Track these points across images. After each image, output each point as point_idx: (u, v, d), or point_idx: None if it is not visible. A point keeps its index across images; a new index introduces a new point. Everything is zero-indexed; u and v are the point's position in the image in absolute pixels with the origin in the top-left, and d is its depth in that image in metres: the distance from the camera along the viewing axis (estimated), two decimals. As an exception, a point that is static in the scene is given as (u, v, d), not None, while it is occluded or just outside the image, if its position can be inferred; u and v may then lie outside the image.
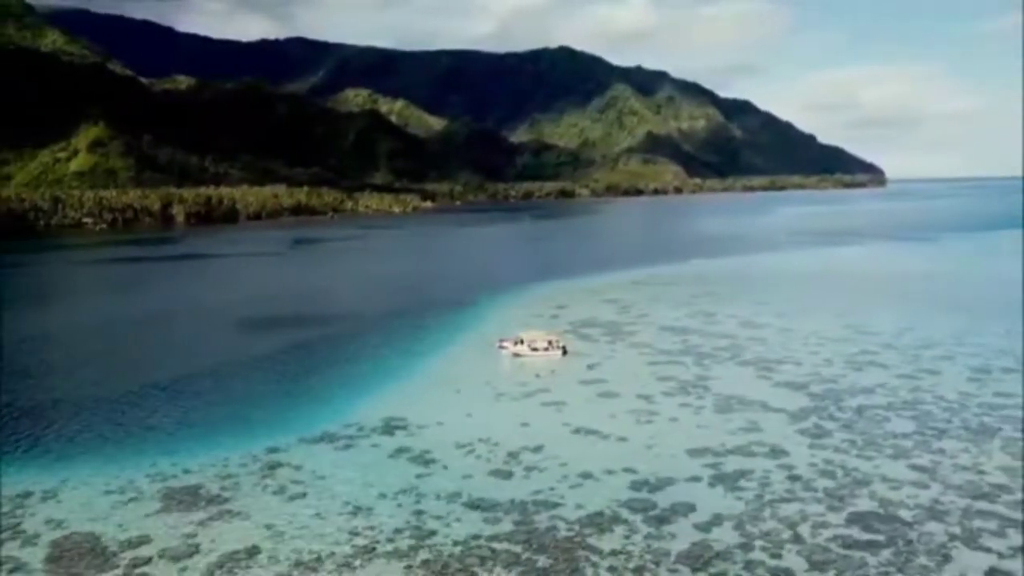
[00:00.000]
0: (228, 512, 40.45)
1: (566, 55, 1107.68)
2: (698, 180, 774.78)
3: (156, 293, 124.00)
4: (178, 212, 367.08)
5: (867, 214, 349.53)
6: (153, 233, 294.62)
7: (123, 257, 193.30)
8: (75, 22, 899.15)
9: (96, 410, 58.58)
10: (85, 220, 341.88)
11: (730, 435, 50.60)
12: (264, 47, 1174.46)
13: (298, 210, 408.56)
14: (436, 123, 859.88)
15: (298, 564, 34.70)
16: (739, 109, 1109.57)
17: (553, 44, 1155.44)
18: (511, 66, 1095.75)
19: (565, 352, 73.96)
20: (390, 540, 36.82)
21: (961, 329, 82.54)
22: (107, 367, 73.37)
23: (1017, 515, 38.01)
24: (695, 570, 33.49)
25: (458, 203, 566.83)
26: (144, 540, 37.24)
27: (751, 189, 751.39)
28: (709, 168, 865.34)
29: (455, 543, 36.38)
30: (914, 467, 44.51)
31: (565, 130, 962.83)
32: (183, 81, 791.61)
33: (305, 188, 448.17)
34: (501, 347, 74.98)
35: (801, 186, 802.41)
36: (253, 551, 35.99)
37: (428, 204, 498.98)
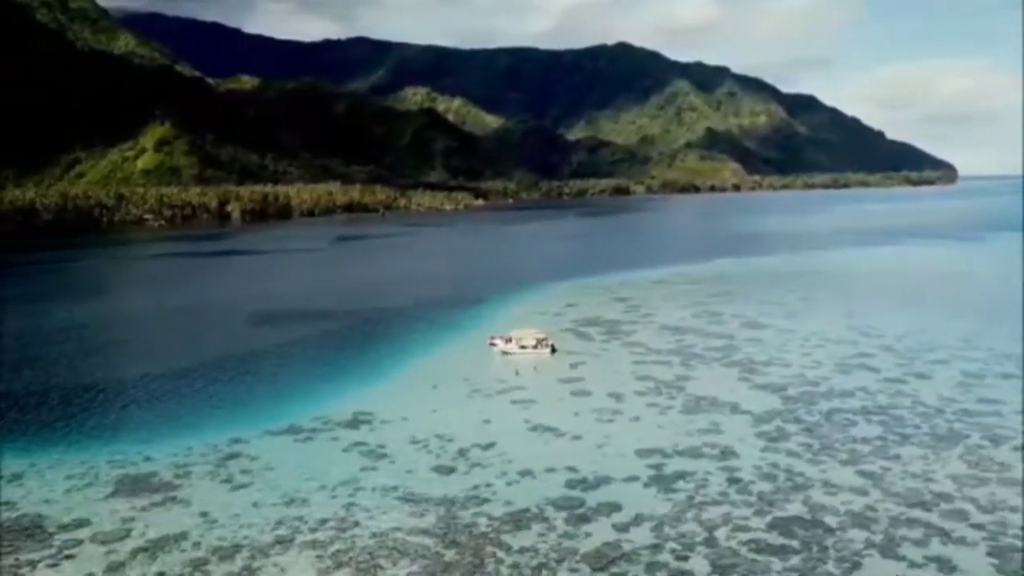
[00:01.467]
0: (172, 499, 42.11)
1: (624, 51, 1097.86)
2: (757, 177, 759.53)
3: (183, 288, 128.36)
4: (234, 209, 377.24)
5: (924, 212, 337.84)
6: (207, 230, 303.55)
7: (169, 253, 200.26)
8: (147, 25, 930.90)
9: (84, 398, 61.35)
10: (146, 217, 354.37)
11: (686, 436, 50.23)
12: (327, 47, 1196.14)
13: (351, 207, 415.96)
14: (493, 121, 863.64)
15: (216, 550, 36.02)
16: (803, 105, 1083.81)
17: (611, 40, 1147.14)
18: (569, 63, 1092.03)
19: (554, 350, 74.14)
20: (312, 530, 37.87)
21: (972, 332, 79.69)
22: (112, 357, 76.37)
23: (945, 524, 36.97)
24: (595, 570, 33.61)
25: (510, 201, 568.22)
26: (84, 523, 39.13)
27: (812, 187, 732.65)
28: (769, 165, 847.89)
29: (372, 535, 37.22)
30: (861, 473, 43.54)
31: (622, 127, 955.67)
32: (247, 81, 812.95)
33: (358, 186, 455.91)
34: (492, 344, 75.52)
35: (865, 184, 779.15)
36: (180, 537, 37.46)
37: (480, 202, 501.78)
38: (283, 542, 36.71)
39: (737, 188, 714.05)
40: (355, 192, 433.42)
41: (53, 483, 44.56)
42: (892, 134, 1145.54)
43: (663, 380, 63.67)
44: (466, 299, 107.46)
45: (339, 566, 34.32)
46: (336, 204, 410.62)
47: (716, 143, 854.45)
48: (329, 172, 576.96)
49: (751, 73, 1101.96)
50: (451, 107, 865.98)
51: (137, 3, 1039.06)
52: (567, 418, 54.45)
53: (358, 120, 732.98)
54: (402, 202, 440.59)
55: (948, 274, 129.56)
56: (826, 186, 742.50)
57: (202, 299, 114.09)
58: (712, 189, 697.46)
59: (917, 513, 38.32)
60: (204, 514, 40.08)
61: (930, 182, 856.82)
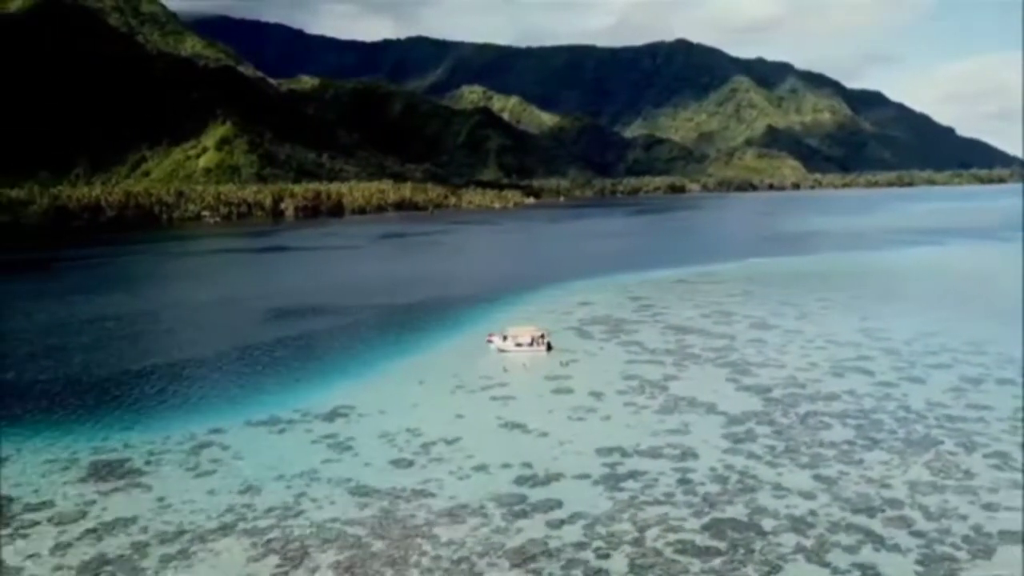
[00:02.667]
0: (136, 484, 43.93)
1: (683, 48, 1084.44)
2: (817, 175, 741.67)
3: (215, 282, 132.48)
4: (288, 206, 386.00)
5: (983, 212, 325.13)
6: (260, 227, 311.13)
7: (214, 249, 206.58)
8: (214, 27, 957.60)
9: (84, 387, 64.19)
10: (204, 214, 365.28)
11: (652, 436, 50.01)
12: (387, 47, 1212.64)
13: (402, 205, 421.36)
14: (548, 119, 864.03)
15: (160, 534, 37.53)
16: (868, 100, 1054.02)
17: (670, 38, 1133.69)
18: (627, 61, 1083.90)
19: (550, 348, 74.35)
20: (255, 518, 39.11)
21: (987, 336, 76.68)
22: (123, 348, 79.17)
23: (884, 530, 36.17)
24: (513, 565, 33.96)
25: (562, 199, 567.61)
26: (47, 505, 41.20)
27: (875, 185, 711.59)
28: (831, 163, 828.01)
29: (311, 524, 38.25)
30: (816, 477, 42.79)
31: (680, 124, 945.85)
32: (308, 81, 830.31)
33: (409, 184, 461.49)
34: (489, 341, 76.08)
35: (931, 182, 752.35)
36: (131, 520, 39.12)
37: (530, 200, 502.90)
38: (225, 528, 38.05)
39: (796, 186, 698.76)
40: (406, 190, 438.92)
41: (32, 467, 46.88)
42: (963, 130, 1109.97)
43: (649, 380, 63.33)
44: (481, 296, 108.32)
45: (268, 553, 35.43)
46: (387, 202, 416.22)
47: (776, 140, 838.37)
48: (384, 170, 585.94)
49: (815, 69, 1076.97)
50: (507, 105, 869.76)
51: (206, 6, 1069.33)
52: (539, 415, 54.73)
53: (414, 119, 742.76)
54: (452, 200, 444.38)
55: (983, 276, 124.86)
56: (890, 184, 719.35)
57: (228, 293, 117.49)
58: (770, 187, 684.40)
59: (859, 519, 37.54)
60: (161, 499, 41.74)
61: (1001, 180, 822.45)
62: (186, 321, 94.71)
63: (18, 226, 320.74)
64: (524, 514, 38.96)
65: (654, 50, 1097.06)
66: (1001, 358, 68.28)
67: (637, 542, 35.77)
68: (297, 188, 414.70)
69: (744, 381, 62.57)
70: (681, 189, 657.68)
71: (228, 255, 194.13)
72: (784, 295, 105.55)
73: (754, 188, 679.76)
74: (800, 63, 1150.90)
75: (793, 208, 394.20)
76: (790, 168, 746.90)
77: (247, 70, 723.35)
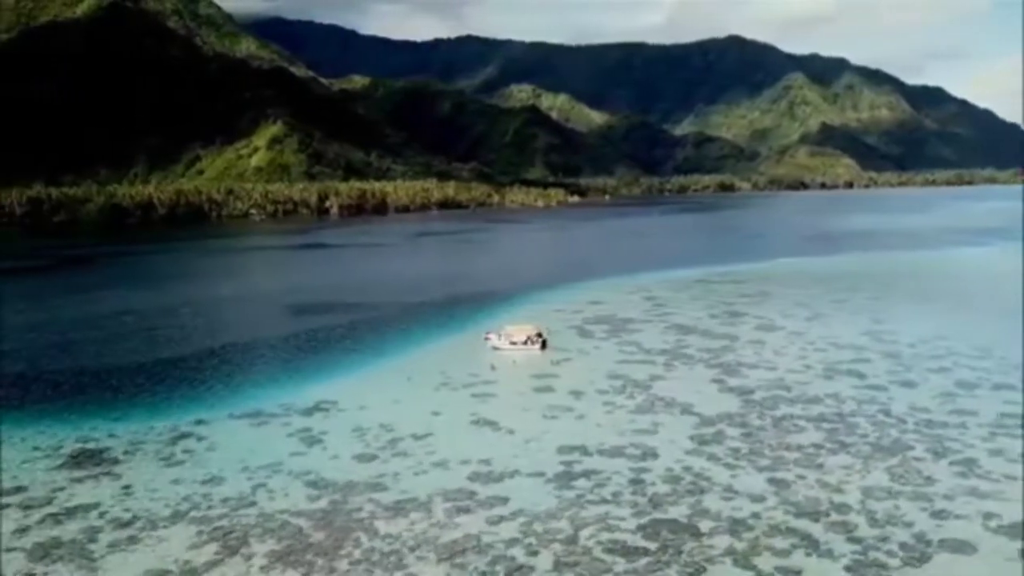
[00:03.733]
0: (107, 472, 45.66)
1: (736, 44, 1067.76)
2: (872, 174, 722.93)
3: (240, 278, 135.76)
4: (333, 204, 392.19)
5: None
6: (303, 224, 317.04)
7: (253, 246, 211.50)
8: (269, 29, 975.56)
9: (85, 379, 66.73)
10: (251, 211, 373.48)
11: (618, 435, 49.96)
12: (438, 46, 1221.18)
13: (445, 204, 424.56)
14: (597, 117, 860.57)
15: (114, 520, 39.03)
16: (929, 97, 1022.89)
17: (722, 34, 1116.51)
18: (678, 58, 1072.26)
19: (544, 347, 74.57)
20: (209, 507, 40.33)
21: (998, 340, 74.43)
22: (133, 342, 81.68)
23: (822, 535, 35.65)
24: (441, 559, 34.44)
25: (607, 198, 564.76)
26: (19, 490, 43.09)
27: (932, 184, 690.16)
28: (888, 161, 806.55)
29: (259, 515, 39.30)
30: (772, 480, 42.29)
31: (733, 122, 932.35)
32: (359, 81, 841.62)
33: (453, 182, 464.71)
34: (487, 339, 76.61)
35: (992, 180, 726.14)
36: (93, 507, 40.74)
37: (575, 199, 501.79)
38: (176, 516, 39.37)
39: (849, 185, 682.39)
40: (450, 189, 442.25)
41: (18, 454, 48.98)
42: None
43: (634, 380, 63.09)
44: (493, 295, 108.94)
45: (210, 541, 36.55)
46: (431, 200, 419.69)
47: (831, 138, 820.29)
48: (431, 169, 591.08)
49: (872, 65, 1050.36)
50: (555, 104, 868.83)
51: (261, 8, 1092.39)
52: (513, 413, 55.11)
53: (461, 118, 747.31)
54: (495, 198, 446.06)
55: (1016, 278, 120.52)
56: (948, 183, 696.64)
57: (250, 290, 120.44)
58: (823, 186, 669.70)
59: (800, 523, 37.05)
60: (126, 487, 43.35)
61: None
62: (201, 317, 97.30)
63: (76, 223, 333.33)
64: (467, 510, 39.42)
65: (705, 47, 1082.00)
66: (1005, 363, 66.18)
67: (569, 540, 35.93)
68: (342, 186, 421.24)
69: (730, 382, 61.92)
70: (731, 188, 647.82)
71: (262, 252, 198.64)
72: (801, 296, 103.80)
73: (806, 187, 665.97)
74: (857, 59, 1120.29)
75: (841, 207, 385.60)
76: (844, 167, 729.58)
77: (299, 70, 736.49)
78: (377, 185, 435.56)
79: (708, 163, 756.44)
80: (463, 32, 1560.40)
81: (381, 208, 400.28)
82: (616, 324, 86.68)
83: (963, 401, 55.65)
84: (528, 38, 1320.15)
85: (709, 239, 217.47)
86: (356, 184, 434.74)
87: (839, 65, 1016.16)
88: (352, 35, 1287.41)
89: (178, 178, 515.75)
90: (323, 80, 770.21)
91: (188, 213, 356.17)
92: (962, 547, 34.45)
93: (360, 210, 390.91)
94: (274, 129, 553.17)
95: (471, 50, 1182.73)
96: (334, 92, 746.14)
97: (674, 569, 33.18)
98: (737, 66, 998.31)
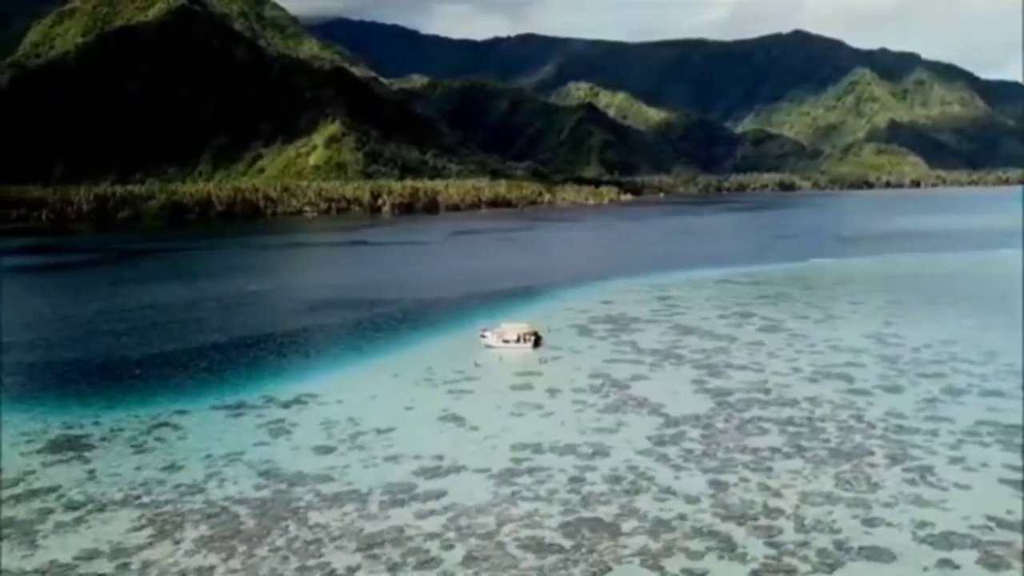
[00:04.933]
0: (79, 458, 47.91)
1: (800, 40, 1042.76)
2: (941, 172, 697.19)
3: (267, 273, 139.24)
4: (385, 203, 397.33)
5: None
6: (354, 222, 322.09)
7: (297, 242, 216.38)
8: (334, 30, 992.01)
9: (86, 370, 69.93)
10: (305, 209, 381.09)
11: (579, 434, 50.07)
12: (498, 45, 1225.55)
13: (495, 202, 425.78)
14: (655, 115, 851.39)
15: (69, 503, 41.06)
16: (1005, 92, 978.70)
17: (786, 29, 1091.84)
18: (740, 54, 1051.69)
19: (536, 345, 74.86)
20: (160, 493, 41.97)
21: (1007, 346, 71.70)
22: (146, 335, 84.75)
23: (742, 538, 35.30)
24: (357, 549, 35.28)
25: (662, 196, 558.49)
26: (-7, 473, 45.69)
27: (1005, 182, 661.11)
28: (960, 159, 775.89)
29: (203, 502, 40.77)
30: (714, 483, 41.91)
31: (795, 119, 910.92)
32: (417, 80, 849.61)
33: (504, 181, 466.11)
34: (483, 336, 77.23)
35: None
36: (52, 490, 42.87)
37: (627, 197, 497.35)
38: (126, 500, 41.17)
39: (916, 184, 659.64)
40: (501, 187, 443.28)
41: (3, 438, 51.72)
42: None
43: (614, 379, 62.90)
44: (508, 293, 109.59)
45: (148, 524, 38.14)
46: (481, 199, 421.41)
47: (898, 135, 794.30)
48: (485, 168, 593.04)
49: (945, 59, 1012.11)
50: (613, 101, 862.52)
51: (326, 9, 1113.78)
52: (483, 410, 55.67)
53: (518, 116, 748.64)
54: (546, 197, 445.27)
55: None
56: (1021, 182, 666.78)
57: (275, 285, 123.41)
58: (888, 185, 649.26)
59: (725, 526, 36.71)
60: (90, 472, 45.48)
61: None
62: (221, 311, 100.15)
63: (138, 219, 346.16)
64: (401, 503, 40.19)
65: (767, 43, 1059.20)
66: (1006, 369, 63.82)
67: (488, 536, 36.37)
68: (395, 185, 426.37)
69: (710, 384, 61.27)
70: (791, 187, 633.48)
71: (304, 249, 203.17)
72: (819, 297, 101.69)
73: (870, 186, 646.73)
74: (929, 53, 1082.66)
75: (900, 206, 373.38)
76: (911, 165, 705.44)
77: (360, 71, 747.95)
78: (429, 184, 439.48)
79: (768, 161, 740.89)
80: (523, 31, 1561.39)
81: (432, 207, 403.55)
82: (620, 324, 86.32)
83: (944, 407, 54.00)
84: (589, 36, 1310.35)
85: (750, 238, 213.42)
86: (409, 183, 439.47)
87: (910, 60, 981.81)
88: (414, 35, 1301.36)
89: (240, 176, 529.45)
90: (383, 80, 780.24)
91: (244, 210, 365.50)
92: (879, 555, 33.74)
93: (411, 209, 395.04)
94: (332, 128, 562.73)
95: (531, 49, 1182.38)
96: (393, 92, 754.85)
97: (579, 568, 33.32)
98: (801, 62, 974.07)
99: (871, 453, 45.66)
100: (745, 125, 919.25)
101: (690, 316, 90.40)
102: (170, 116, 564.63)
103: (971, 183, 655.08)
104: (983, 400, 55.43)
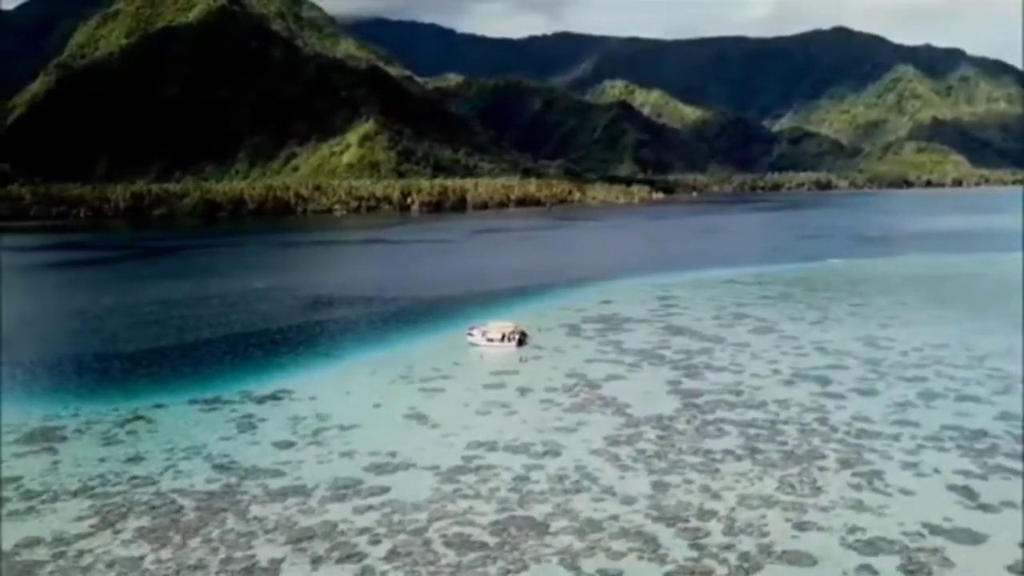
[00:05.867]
0: (49, 449, 49.37)
1: (841, 36, 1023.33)
2: (984, 171, 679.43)
3: (276, 271, 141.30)
4: (414, 201, 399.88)
5: None
6: (381, 220, 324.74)
7: (320, 240, 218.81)
8: (372, 30, 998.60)
9: (82, 363, 71.88)
10: (335, 207, 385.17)
11: (537, 433, 50.28)
12: (534, 44, 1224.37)
13: (524, 201, 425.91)
14: (691, 113, 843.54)
15: (28, 492, 42.37)
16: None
17: (827, 25, 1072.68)
18: (777, 51, 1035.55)
19: (521, 344, 75.09)
20: (114, 484, 43.20)
21: (1002, 350, 70.13)
22: (149, 330, 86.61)
23: (668, 540, 35.29)
24: (287, 542, 35.94)
25: (695, 195, 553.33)
26: (-32, 463, 47.34)
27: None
28: (1006, 158, 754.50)
29: (153, 493, 41.88)
30: (656, 484, 41.86)
31: (835, 117, 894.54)
32: (452, 79, 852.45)
33: (534, 180, 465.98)
34: (470, 334, 77.67)
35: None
36: (16, 480, 44.21)
37: (659, 196, 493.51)
38: (81, 491, 42.41)
39: (958, 183, 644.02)
40: (530, 186, 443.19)
41: (-15, 430, 53.52)
42: None
43: (588, 379, 62.89)
44: (508, 292, 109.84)
45: (94, 515, 39.23)
46: (510, 198, 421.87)
47: (941, 133, 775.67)
48: (517, 166, 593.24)
49: (992, 55, 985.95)
50: (648, 100, 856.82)
51: (363, 9, 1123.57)
52: (449, 408, 56.16)
53: (551, 115, 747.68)
54: (577, 195, 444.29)
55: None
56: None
57: (284, 282, 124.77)
58: (928, 184, 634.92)
59: (654, 527, 36.70)
60: (55, 463, 46.89)
61: None
62: (226, 307, 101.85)
63: (172, 216, 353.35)
64: (342, 498, 40.84)
65: (807, 40, 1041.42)
66: (992, 375, 62.42)
67: (417, 532, 36.82)
68: (424, 183, 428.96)
69: (684, 385, 60.99)
70: (827, 186, 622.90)
71: (327, 246, 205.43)
72: (821, 299, 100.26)
73: (910, 185, 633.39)
74: (975, 49, 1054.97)
75: (937, 205, 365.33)
76: (953, 163, 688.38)
77: (395, 70, 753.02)
78: (458, 182, 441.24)
79: (806, 160, 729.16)
80: (558, 29, 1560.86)
81: (460, 205, 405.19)
82: (611, 324, 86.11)
83: (913, 412, 53.12)
84: (622, 34, 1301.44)
85: (771, 238, 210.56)
86: (438, 181, 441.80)
87: (954, 56, 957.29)
88: (451, 34, 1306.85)
89: (275, 174, 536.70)
90: (419, 79, 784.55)
91: (275, 208, 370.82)
92: (800, 559, 33.51)
93: (439, 207, 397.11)
94: (365, 127, 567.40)
95: (567, 47, 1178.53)
96: (427, 91, 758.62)
97: (497, 566, 33.62)
98: (842, 59, 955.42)
99: (823, 457, 45.18)
100: (783, 123, 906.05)
101: (684, 317, 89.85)
102: (208, 115, 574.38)
103: (1016, 182, 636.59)
104: (956, 405, 54.42)
